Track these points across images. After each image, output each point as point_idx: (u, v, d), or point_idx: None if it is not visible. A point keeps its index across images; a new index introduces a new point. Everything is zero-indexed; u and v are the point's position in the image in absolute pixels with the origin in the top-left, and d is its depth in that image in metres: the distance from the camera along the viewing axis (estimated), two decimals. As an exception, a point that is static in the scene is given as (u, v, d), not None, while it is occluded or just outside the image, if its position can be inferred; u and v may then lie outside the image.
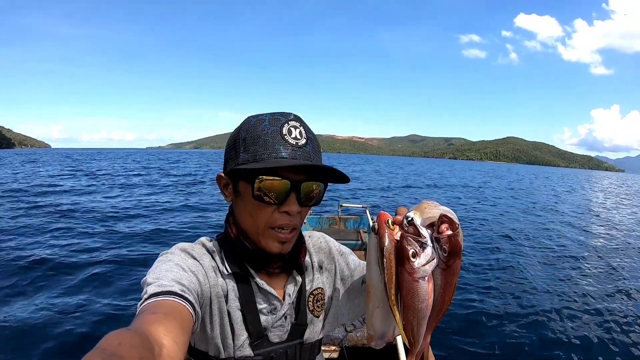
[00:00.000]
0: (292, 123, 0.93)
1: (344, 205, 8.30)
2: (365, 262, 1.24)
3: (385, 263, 0.76)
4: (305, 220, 1.07)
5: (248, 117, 0.99)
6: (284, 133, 0.91)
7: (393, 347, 2.42)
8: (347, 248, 1.27)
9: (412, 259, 0.75)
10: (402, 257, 0.76)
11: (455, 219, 0.78)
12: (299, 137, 0.92)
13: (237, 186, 0.96)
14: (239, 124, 1.00)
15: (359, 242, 7.04)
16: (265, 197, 0.90)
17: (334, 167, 0.93)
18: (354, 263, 1.23)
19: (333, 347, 3.15)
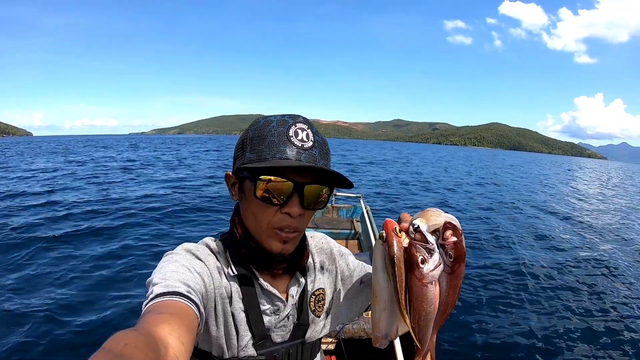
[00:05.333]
0: (300, 125, 0.94)
1: (337, 193, 8.20)
2: (363, 263, 1.27)
3: (396, 270, 0.80)
4: None
5: (257, 118, 1.00)
6: (291, 135, 0.92)
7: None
8: (346, 249, 1.30)
9: (421, 265, 0.79)
10: (411, 263, 0.79)
11: (459, 226, 0.82)
12: (305, 139, 0.93)
13: (243, 185, 0.97)
14: (249, 124, 1.01)
15: (352, 231, 7.01)
16: (267, 197, 0.91)
17: (339, 172, 0.93)
18: (354, 264, 1.25)
19: (330, 339, 3.19)
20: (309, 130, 0.95)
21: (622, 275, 8.23)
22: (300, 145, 0.92)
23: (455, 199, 17.37)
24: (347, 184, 0.97)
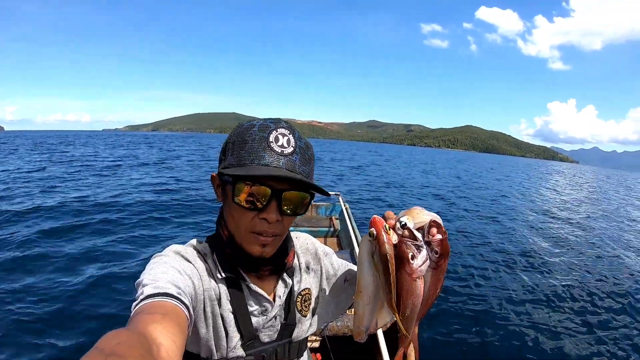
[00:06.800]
0: (281, 131, 0.94)
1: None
2: (345, 261, 1.30)
3: (389, 267, 0.84)
4: None
5: (241, 122, 1.01)
6: (271, 140, 0.92)
7: (371, 336, 2.52)
8: (330, 248, 1.32)
9: (411, 261, 0.84)
10: (401, 259, 0.84)
11: (442, 224, 0.87)
12: (285, 145, 0.93)
13: (225, 189, 0.98)
14: (235, 126, 1.01)
15: (331, 229, 7.02)
16: (244, 203, 0.92)
17: (312, 181, 0.96)
18: (337, 263, 1.28)
19: (314, 337, 3.19)
20: (291, 135, 0.95)
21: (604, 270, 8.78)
22: (280, 151, 0.92)
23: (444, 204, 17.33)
24: (324, 193, 0.99)
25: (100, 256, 7.09)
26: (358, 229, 5.93)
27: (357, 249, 4.49)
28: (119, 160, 26.55)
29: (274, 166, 0.91)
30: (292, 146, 0.94)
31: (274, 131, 0.93)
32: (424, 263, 0.85)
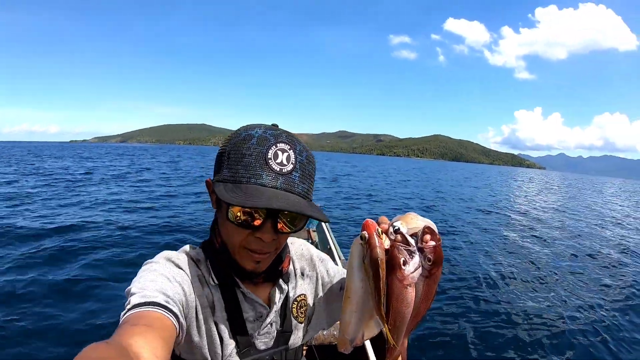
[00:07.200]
0: (281, 146, 0.89)
1: None
2: (342, 268, 1.28)
3: (380, 272, 0.80)
4: None
5: (239, 129, 0.95)
6: (269, 157, 0.87)
7: (358, 347, 2.48)
8: (325, 255, 1.29)
9: (403, 266, 0.80)
10: (393, 264, 0.80)
11: (436, 231, 0.84)
12: (285, 162, 0.88)
13: (220, 199, 0.91)
14: (231, 133, 0.96)
15: (309, 240, 6.87)
16: (240, 222, 0.89)
17: (308, 212, 0.87)
18: (333, 269, 1.26)
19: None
20: (291, 151, 0.90)
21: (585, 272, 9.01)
22: (278, 169, 0.87)
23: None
24: (322, 220, 0.92)
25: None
26: (336, 239, 5.91)
27: (337, 262, 4.45)
28: (87, 174, 25.37)
29: (272, 186, 0.86)
30: (291, 163, 0.89)
31: (273, 146, 0.88)
32: (416, 270, 0.82)
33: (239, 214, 0.88)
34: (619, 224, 18.53)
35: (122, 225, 10.22)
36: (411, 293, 0.83)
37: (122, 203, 14.04)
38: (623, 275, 8.96)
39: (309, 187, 0.94)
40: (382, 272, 0.81)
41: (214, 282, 1.00)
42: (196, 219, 11.70)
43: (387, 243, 0.82)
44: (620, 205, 30.03)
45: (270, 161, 0.87)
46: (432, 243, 0.82)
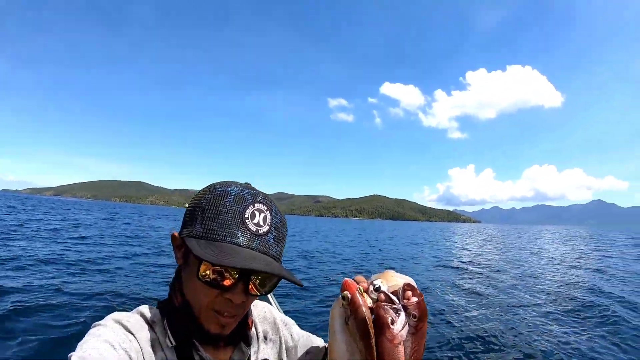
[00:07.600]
0: (258, 206, 0.87)
1: None
2: (306, 332, 1.24)
3: (369, 331, 0.79)
4: None
5: (214, 184, 0.93)
6: (246, 217, 0.85)
7: None
8: (290, 319, 1.25)
9: (391, 326, 0.79)
10: (381, 325, 0.79)
11: (416, 287, 0.84)
12: (261, 223, 0.87)
13: (188, 256, 0.90)
14: (205, 187, 0.93)
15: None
16: (210, 281, 0.84)
17: (286, 275, 0.85)
18: (298, 334, 1.21)
19: None
20: (268, 212, 0.89)
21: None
22: (254, 230, 0.85)
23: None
24: (296, 283, 0.89)
25: None
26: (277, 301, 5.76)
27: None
28: (21, 227, 23.41)
29: (247, 247, 0.84)
30: (267, 224, 0.88)
31: (251, 206, 0.87)
32: (403, 327, 0.81)
33: (208, 272, 0.83)
34: (558, 264, 19.76)
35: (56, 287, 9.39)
36: (402, 351, 0.81)
37: (58, 261, 13.08)
38: (585, 306, 9.60)
39: (281, 250, 0.93)
40: (372, 330, 0.79)
41: (171, 344, 0.91)
42: (134, 280, 11.06)
43: (369, 302, 0.81)
44: (556, 249, 32.03)
45: (247, 221, 0.85)
46: (415, 299, 0.81)
